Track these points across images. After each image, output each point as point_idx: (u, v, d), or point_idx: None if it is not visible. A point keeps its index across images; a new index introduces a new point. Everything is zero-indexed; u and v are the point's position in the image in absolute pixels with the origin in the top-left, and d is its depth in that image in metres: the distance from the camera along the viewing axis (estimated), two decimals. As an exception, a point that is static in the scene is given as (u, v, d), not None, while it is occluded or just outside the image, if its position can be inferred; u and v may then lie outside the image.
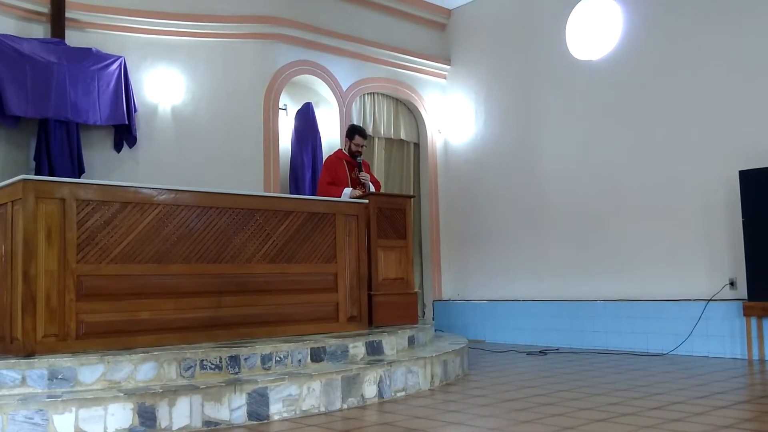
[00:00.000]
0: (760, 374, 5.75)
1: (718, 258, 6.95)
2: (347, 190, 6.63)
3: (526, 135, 8.87)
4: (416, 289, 7.84)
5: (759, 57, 6.79)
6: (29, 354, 4.07)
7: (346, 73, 8.85)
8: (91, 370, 3.97)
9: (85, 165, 7.08)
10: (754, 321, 6.46)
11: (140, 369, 4.10)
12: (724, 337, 6.74)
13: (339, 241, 5.79)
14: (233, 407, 4.09)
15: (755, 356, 6.46)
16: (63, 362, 3.92)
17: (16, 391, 3.78)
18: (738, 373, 5.74)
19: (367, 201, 6.22)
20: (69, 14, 7.19)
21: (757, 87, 6.79)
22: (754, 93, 6.80)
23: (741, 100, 6.89)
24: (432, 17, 9.83)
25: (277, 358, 4.66)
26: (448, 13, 9.94)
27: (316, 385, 4.45)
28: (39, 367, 3.86)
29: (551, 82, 8.62)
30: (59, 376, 3.89)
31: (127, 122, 7.24)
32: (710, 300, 6.86)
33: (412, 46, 9.57)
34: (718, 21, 7.10)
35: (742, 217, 6.50)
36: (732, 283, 6.82)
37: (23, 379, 3.82)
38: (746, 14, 6.91)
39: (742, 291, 6.61)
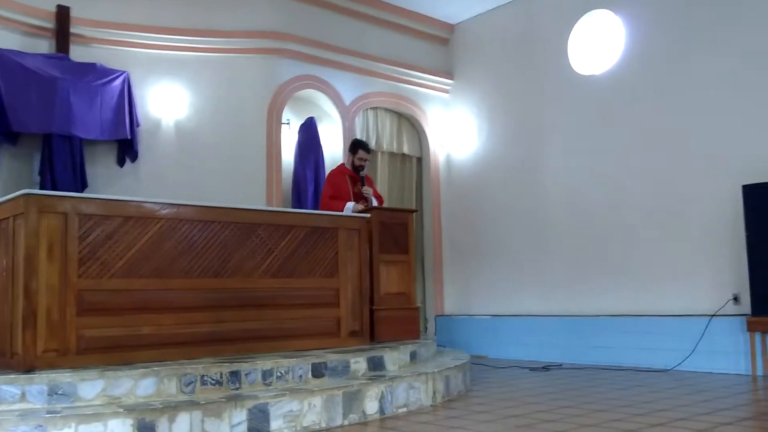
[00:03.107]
0: (764, 390, 5.70)
1: (722, 273, 6.92)
2: (350, 205, 6.63)
3: (529, 150, 8.87)
4: (418, 304, 7.82)
5: (762, 71, 6.79)
6: (29, 369, 4.06)
7: (349, 87, 8.88)
8: (90, 386, 3.95)
9: (88, 179, 7.10)
10: (758, 336, 6.42)
11: (140, 384, 4.09)
12: (727, 352, 6.69)
13: (341, 256, 5.78)
14: (234, 423, 4.06)
15: (759, 372, 6.42)
16: (63, 378, 3.91)
17: (16, 406, 3.76)
18: (742, 390, 5.70)
19: (369, 215, 6.22)
20: (74, 30, 7.23)
21: (760, 102, 6.78)
22: (757, 107, 6.79)
23: (744, 114, 6.88)
24: (435, 32, 9.86)
25: (278, 374, 4.64)
26: (451, 28, 9.98)
27: (317, 401, 4.43)
28: (39, 383, 3.85)
29: (554, 97, 8.63)
30: (59, 392, 3.88)
31: (129, 137, 7.27)
32: (714, 315, 6.83)
33: (415, 61, 9.60)
34: (721, 35, 7.11)
35: (746, 231, 6.47)
36: (736, 299, 6.78)
37: (23, 394, 3.80)
38: (748, 29, 6.91)
39: (746, 306, 6.57)
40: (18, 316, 4.18)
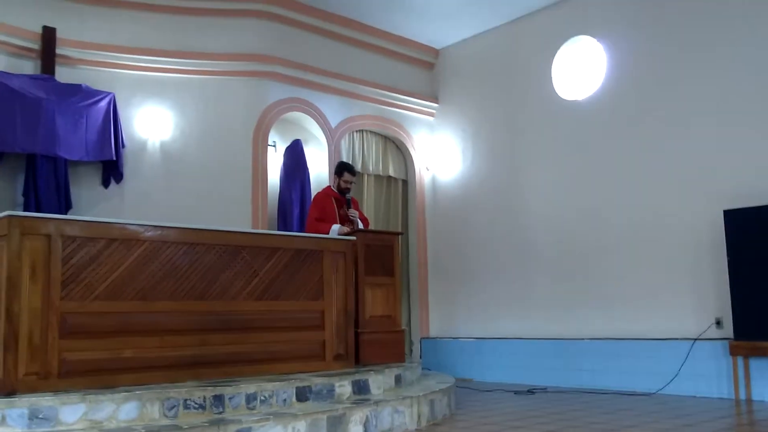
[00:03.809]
0: (747, 414, 5.73)
1: (705, 297, 6.97)
2: (335, 227, 6.62)
3: (513, 173, 8.94)
4: (404, 327, 7.80)
5: (742, 97, 6.90)
6: (10, 392, 4.00)
7: (335, 110, 8.92)
8: (72, 410, 3.91)
9: (73, 200, 7.07)
10: (740, 360, 6.45)
11: (122, 408, 4.05)
12: (710, 376, 6.72)
13: (326, 278, 5.77)
14: (217, 448, 4.02)
15: (742, 396, 6.44)
16: (44, 401, 3.86)
17: (-4, 431, 3.72)
18: (725, 414, 5.72)
19: (354, 238, 6.22)
20: (59, 51, 7.23)
21: (741, 127, 6.88)
22: (738, 133, 6.89)
23: (725, 139, 6.97)
24: (420, 56, 9.95)
25: (262, 398, 4.61)
26: (436, 52, 10.07)
27: (302, 425, 4.39)
28: (20, 406, 3.80)
29: (537, 122, 8.72)
30: (40, 416, 3.82)
31: (114, 158, 7.25)
32: (697, 339, 6.87)
33: (400, 85, 9.67)
34: (702, 61, 7.23)
35: (727, 256, 6.53)
36: (718, 322, 6.83)
37: (3, 418, 3.74)
38: (729, 55, 7.03)
39: (729, 330, 6.62)
40: (-1, 338, 4.13)
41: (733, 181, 6.83)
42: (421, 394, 5.34)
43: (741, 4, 6.99)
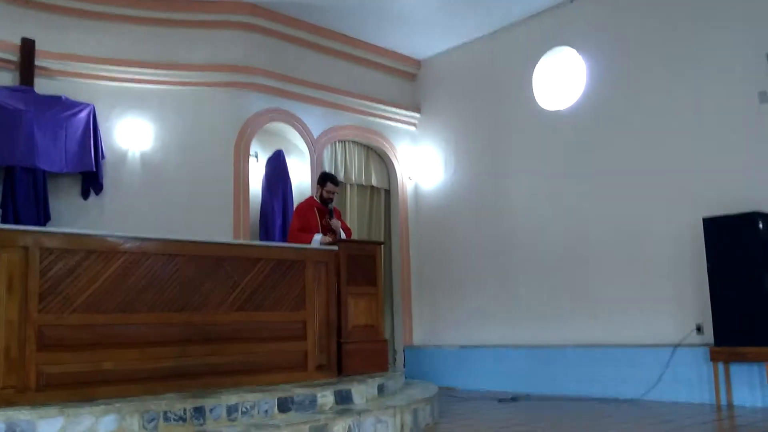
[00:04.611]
0: (728, 420, 5.77)
1: (685, 304, 7.02)
2: (317, 237, 6.63)
3: (495, 182, 8.97)
4: (387, 336, 7.80)
5: (719, 107, 6.98)
6: (-14, 407, 3.96)
7: (317, 121, 8.92)
8: (50, 424, 3.86)
9: (52, 212, 7.00)
10: (721, 366, 6.49)
11: (101, 422, 4.00)
12: (692, 382, 6.76)
13: (308, 289, 5.76)
14: (197, 460, 4.00)
15: (723, 401, 6.48)
16: (21, 415, 3.82)
17: (-29, 446, 3.67)
18: (706, 419, 5.75)
19: (337, 248, 6.22)
20: (38, 62, 7.18)
21: (719, 136, 6.95)
22: (716, 142, 6.97)
23: (704, 148, 7.04)
24: (402, 67, 9.98)
25: (244, 409, 4.58)
26: (418, 63, 10.11)
27: (283, 436, 4.37)
28: (-4, 421, 3.76)
29: (519, 132, 8.77)
30: (17, 430, 3.77)
31: (94, 170, 7.20)
32: (678, 345, 6.91)
33: (382, 95, 9.69)
34: (680, 72, 7.31)
35: (707, 263, 6.58)
36: (699, 329, 6.87)
37: (-21, 433, 3.71)
38: (707, 65, 7.11)
39: (709, 336, 6.66)
40: (-25, 352, 4.08)
41: (712, 189, 6.89)
42: (404, 403, 5.33)
43: (717, 18, 7.07)
